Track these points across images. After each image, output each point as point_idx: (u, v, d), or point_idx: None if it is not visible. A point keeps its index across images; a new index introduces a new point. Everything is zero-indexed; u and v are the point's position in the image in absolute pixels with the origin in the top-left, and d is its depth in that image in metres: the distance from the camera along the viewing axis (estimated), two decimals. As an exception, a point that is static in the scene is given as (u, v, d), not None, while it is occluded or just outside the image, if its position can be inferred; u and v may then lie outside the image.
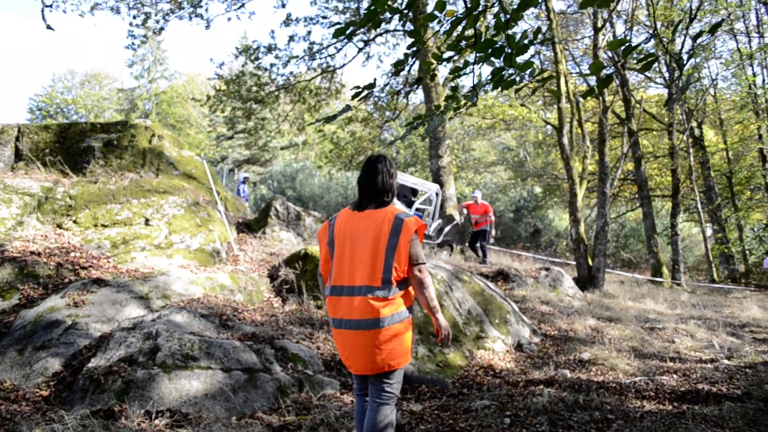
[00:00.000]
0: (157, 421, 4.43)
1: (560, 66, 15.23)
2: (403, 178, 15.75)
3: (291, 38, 19.69)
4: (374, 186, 3.68)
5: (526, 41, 3.51)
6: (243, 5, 18.83)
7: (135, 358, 5.28)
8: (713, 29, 3.49)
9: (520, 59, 3.61)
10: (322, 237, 3.82)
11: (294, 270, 8.95)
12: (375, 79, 4.13)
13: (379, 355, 3.49)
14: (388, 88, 21.09)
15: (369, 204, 3.68)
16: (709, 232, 28.43)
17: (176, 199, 9.95)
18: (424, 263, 3.63)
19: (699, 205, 26.17)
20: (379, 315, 3.45)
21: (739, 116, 27.06)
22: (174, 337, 5.60)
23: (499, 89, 3.86)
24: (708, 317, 11.77)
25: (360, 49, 20.29)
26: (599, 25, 15.22)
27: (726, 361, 7.97)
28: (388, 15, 4.09)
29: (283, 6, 19.69)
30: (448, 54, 4.09)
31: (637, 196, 25.60)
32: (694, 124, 26.10)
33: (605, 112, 15.75)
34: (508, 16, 3.45)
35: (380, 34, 20.73)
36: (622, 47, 3.50)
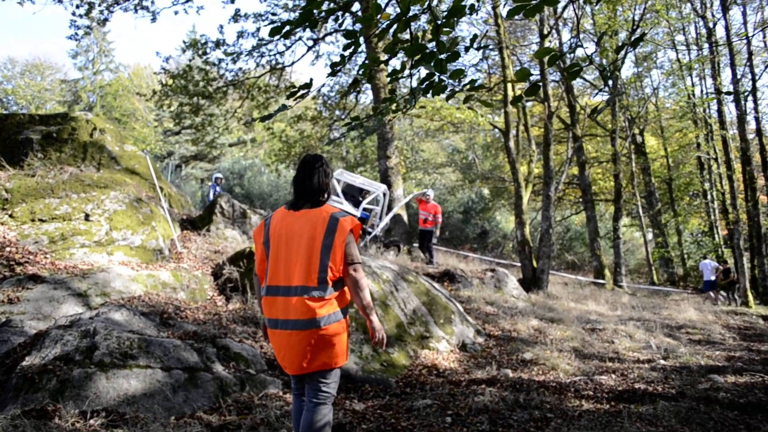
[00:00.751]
0: (92, 421, 4.33)
1: (507, 71, 15.46)
2: (351, 178, 15.74)
3: (240, 34, 19.47)
4: (310, 185, 3.67)
5: (457, 47, 3.53)
6: (190, -1, 18.52)
7: (71, 357, 5.14)
8: (634, 43, 3.58)
9: (452, 66, 3.63)
10: (257, 237, 3.79)
11: (238, 268, 8.86)
12: (311, 79, 4.12)
13: (315, 354, 3.49)
14: (337, 87, 21.03)
15: (304, 203, 3.66)
16: (649, 236, 29.32)
17: (118, 194, 9.73)
18: (360, 263, 3.63)
19: (640, 210, 26.98)
20: (316, 315, 3.44)
21: (679, 125, 27.93)
22: (112, 335, 5.47)
23: (430, 95, 3.87)
24: (647, 319, 12.11)
25: (309, 48, 20.20)
26: (545, 32, 15.50)
27: (662, 362, 8.21)
28: (324, 15, 4.05)
29: (232, 1, 19.44)
30: (384, 56, 4.10)
31: (581, 200, 26.18)
32: (636, 131, 26.87)
33: (550, 118, 16.05)
34: (439, 22, 3.48)
35: (329, 33, 20.69)
36: (548, 56, 3.55)
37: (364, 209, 15.46)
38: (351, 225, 3.58)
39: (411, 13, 3.46)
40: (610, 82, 22.82)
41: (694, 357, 8.59)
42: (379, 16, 3.60)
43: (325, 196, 3.73)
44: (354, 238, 3.62)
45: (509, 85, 15.20)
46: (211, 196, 17.85)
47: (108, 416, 4.48)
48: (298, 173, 3.73)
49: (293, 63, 20.70)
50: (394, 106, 4.28)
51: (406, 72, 3.92)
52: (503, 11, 15.54)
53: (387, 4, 3.93)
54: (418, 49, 3.55)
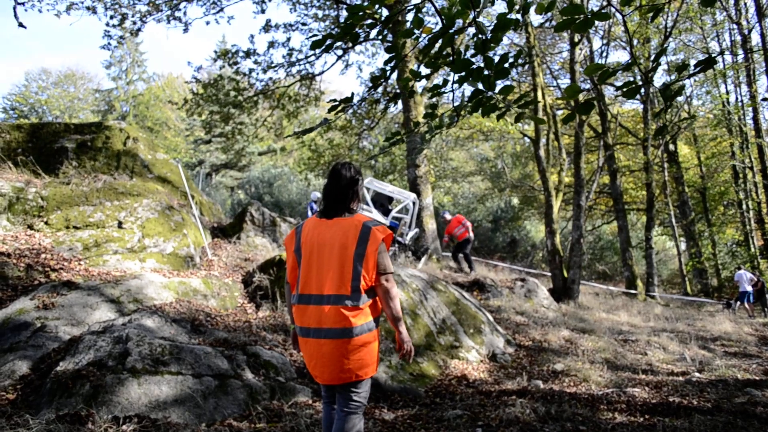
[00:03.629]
0: (124, 427, 4.36)
1: (537, 79, 15.36)
2: (381, 187, 15.74)
3: (271, 44, 19.62)
4: (340, 193, 3.65)
5: (506, 64, 3.41)
6: (222, 9, 18.72)
7: (104, 363, 5.19)
8: (706, 64, 3.35)
9: (499, 82, 3.51)
10: (288, 245, 3.77)
11: (268, 276, 8.89)
12: (353, 93, 4.10)
13: (347, 364, 3.45)
14: (366, 96, 21.08)
15: (336, 212, 3.64)
16: (683, 246, 28.81)
17: (150, 202, 9.84)
18: (392, 272, 3.60)
19: (673, 220, 26.55)
20: (350, 324, 3.41)
21: (713, 133, 27.49)
22: (144, 341, 5.52)
23: (480, 113, 3.74)
24: (680, 330, 11.89)
25: (339, 57, 20.26)
26: (576, 40, 15.38)
27: (697, 374, 8.04)
28: (366, 29, 4.00)
29: (263, 12, 19.61)
30: (425, 71, 4.02)
31: (612, 209, 25.86)
32: (669, 139, 26.49)
33: (581, 126, 15.90)
34: (485, 37, 3.38)
35: (359, 42, 20.75)
36: (599, 72, 3.41)
37: (393, 218, 15.45)
38: (383, 234, 3.55)
39: (455, 27, 3.37)
40: (645, 91, 22.51)
41: (730, 370, 8.39)
42: (420, 31, 3.52)
43: (356, 204, 3.71)
44: (386, 247, 3.59)
45: (539, 94, 15.08)
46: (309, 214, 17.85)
47: (140, 422, 4.51)
48: (329, 181, 3.71)
49: (322, 72, 20.81)
50: (435, 123, 4.18)
51: (449, 87, 3.81)
52: (534, 20, 15.46)
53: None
54: (464, 65, 3.45)
